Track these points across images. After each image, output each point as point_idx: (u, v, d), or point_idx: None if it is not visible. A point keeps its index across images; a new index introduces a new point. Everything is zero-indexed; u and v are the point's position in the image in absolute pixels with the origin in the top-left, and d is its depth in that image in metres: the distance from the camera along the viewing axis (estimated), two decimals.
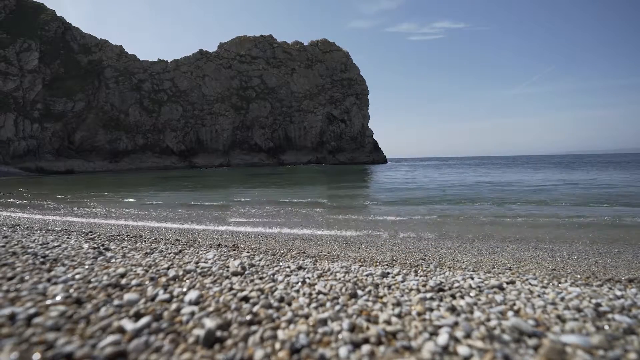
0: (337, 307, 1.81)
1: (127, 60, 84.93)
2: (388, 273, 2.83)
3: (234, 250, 4.52)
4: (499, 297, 2.07)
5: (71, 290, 1.86)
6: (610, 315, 1.78)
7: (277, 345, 1.37)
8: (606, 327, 1.63)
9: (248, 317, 1.62)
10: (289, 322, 1.60)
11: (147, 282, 2.11)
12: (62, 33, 79.76)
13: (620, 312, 1.83)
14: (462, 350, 1.37)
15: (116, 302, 1.73)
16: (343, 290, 2.15)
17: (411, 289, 2.25)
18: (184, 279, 2.27)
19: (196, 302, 1.79)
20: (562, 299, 2.07)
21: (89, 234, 5.75)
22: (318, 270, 2.94)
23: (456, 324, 1.62)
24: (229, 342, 1.39)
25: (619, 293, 2.30)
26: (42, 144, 65.84)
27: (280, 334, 1.47)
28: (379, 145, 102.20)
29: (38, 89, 69.64)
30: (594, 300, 2.01)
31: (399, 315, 1.74)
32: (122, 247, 3.99)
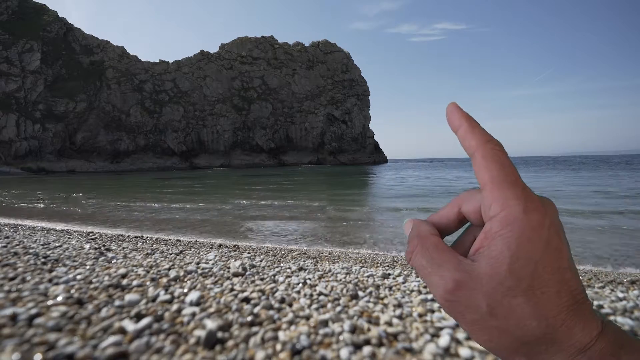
0: (338, 309, 1.81)
1: (128, 61, 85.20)
2: (389, 274, 2.83)
3: (235, 250, 4.52)
4: None
5: (72, 291, 1.87)
6: (612, 317, 1.77)
7: (278, 347, 1.37)
8: None
9: (249, 318, 1.61)
10: (290, 323, 1.60)
11: (148, 283, 2.12)
12: (64, 34, 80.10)
13: (622, 314, 1.82)
14: (464, 352, 1.37)
15: (117, 302, 1.73)
16: (344, 291, 2.15)
17: (412, 290, 2.24)
18: (185, 279, 2.27)
19: (197, 303, 1.79)
20: None
21: (90, 234, 5.77)
22: (319, 271, 2.94)
23: (458, 325, 1.62)
24: (230, 343, 1.39)
25: (621, 295, 2.29)
26: (43, 145, 66.04)
27: (281, 335, 1.47)
28: (380, 146, 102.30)
29: (40, 89, 69.89)
30: (596, 302, 2.01)
31: (400, 317, 1.73)
32: (123, 248, 3.99)
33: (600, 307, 1.93)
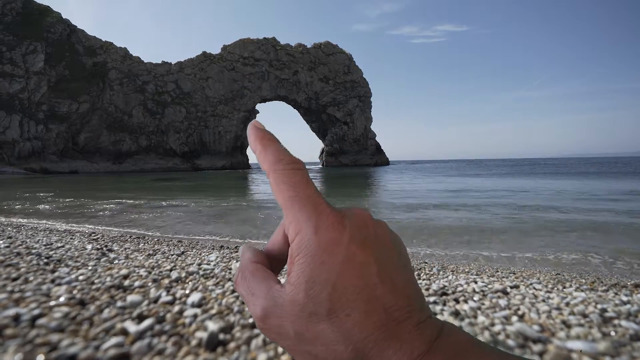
0: None
1: (131, 63, 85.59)
2: None
3: (237, 252, 4.52)
4: (503, 302, 2.05)
5: (75, 292, 1.87)
6: (616, 321, 1.76)
7: (280, 349, 1.37)
8: (612, 333, 1.62)
9: (251, 320, 1.61)
10: None
11: (150, 284, 2.12)
12: (68, 35, 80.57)
13: (626, 318, 1.80)
14: None
15: (119, 303, 1.73)
16: None
17: None
18: (187, 281, 2.27)
19: (199, 305, 1.79)
20: (567, 304, 2.05)
21: (92, 234, 5.78)
22: None
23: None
24: (232, 345, 1.39)
25: (625, 298, 2.28)
26: (46, 145, 66.39)
27: None
28: (382, 148, 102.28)
29: (43, 90, 70.30)
30: (599, 306, 1.99)
31: None
32: (125, 249, 4.00)
33: (605, 310, 1.91)
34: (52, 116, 70.00)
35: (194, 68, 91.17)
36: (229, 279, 2.38)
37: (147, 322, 1.50)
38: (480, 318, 1.76)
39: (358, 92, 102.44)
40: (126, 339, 1.37)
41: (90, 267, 2.53)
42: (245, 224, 8.39)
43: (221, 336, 1.44)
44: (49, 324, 1.44)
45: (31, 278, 2.11)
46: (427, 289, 2.32)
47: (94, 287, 1.98)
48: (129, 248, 4.10)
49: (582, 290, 2.57)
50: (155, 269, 2.59)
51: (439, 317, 1.78)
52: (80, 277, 2.17)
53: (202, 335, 1.42)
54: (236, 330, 1.51)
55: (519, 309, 1.92)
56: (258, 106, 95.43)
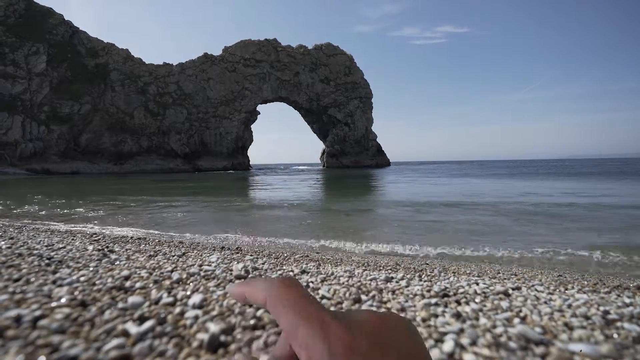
0: None
1: (133, 64, 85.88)
2: (392, 278, 2.81)
3: (238, 253, 4.52)
4: (504, 304, 2.04)
5: (76, 293, 1.87)
6: (619, 324, 1.75)
7: None
8: (615, 335, 1.61)
9: (252, 322, 1.61)
10: None
11: (151, 285, 2.12)
12: (70, 37, 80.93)
13: (629, 321, 1.79)
14: (468, 358, 1.36)
15: (120, 305, 1.73)
16: (347, 295, 2.14)
17: (415, 294, 2.23)
18: (188, 282, 2.27)
19: (200, 306, 1.78)
20: (569, 306, 2.04)
21: (94, 235, 5.79)
22: (321, 274, 2.93)
23: (462, 330, 1.61)
24: (233, 346, 1.39)
25: (627, 300, 2.26)
26: (48, 146, 66.62)
27: None
28: (383, 149, 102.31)
29: (45, 91, 70.61)
30: (602, 308, 1.98)
31: None
32: (126, 249, 4.00)
33: (607, 312, 1.90)
34: (53, 117, 70.24)
35: (195, 69, 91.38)
36: (230, 280, 2.38)
37: (148, 324, 1.50)
38: (482, 320, 1.75)
39: (359, 93, 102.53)
40: (127, 340, 1.37)
41: (91, 268, 2.53)
42: (246, 225, 8.39)
43: (222, 338, 1.43)
44: (51, 325, 1.44)
45: (32, 279, 2.11)
46: (429, 291, 2.31)
47: (95, 288, 1.98)
48: (130, 249, 4.10)
49: (584, 292, 2.56)
50: (156, 270, 2.59)
51: (440, 319, 1.77)
52: (82, 278, 2.17)
53: (203, 336, 1.42)
54: (237, 332, 1.51)
55: (520, 311, 1.91)
56: (259, 107, 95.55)
